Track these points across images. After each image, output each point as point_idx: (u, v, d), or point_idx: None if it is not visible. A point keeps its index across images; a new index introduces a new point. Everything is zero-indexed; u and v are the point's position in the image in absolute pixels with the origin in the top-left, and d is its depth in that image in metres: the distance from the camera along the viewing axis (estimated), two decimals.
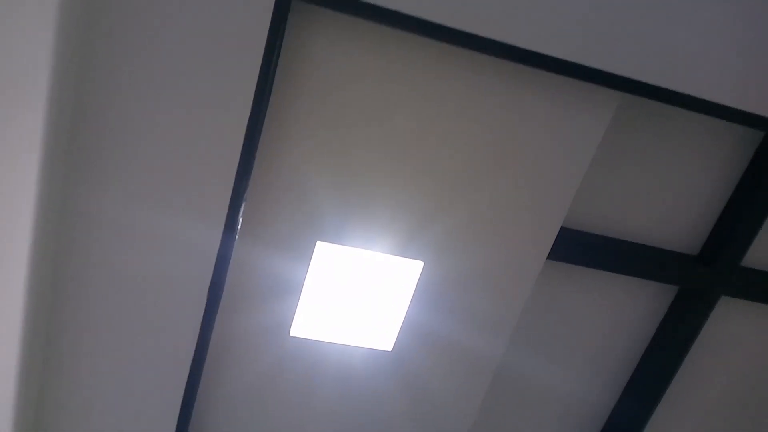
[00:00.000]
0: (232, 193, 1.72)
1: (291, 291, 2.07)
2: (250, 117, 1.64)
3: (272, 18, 1.55)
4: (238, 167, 1.69)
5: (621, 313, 2.53)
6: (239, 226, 1.83)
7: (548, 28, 1.67)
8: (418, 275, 2.12)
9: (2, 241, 1.52)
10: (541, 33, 1.67)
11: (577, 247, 2.29)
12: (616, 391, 2.71)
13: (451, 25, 1.62)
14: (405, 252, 2.07)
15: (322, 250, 2.00)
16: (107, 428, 2.02)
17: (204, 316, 1.88)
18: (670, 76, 1.76)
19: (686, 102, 1.80)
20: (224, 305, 1.98)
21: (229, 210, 1.74)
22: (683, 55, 1.75)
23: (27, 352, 1.70)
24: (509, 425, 2.69)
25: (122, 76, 1.56)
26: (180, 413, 2.04)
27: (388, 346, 2.22)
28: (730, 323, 2.61)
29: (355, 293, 2.11)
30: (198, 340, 1.91)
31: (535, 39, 1.67)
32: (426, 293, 2.15)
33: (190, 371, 1.96)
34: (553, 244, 2.17)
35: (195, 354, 1.94)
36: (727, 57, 1.77)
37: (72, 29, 1.45)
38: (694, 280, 2.44)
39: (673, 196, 2.32)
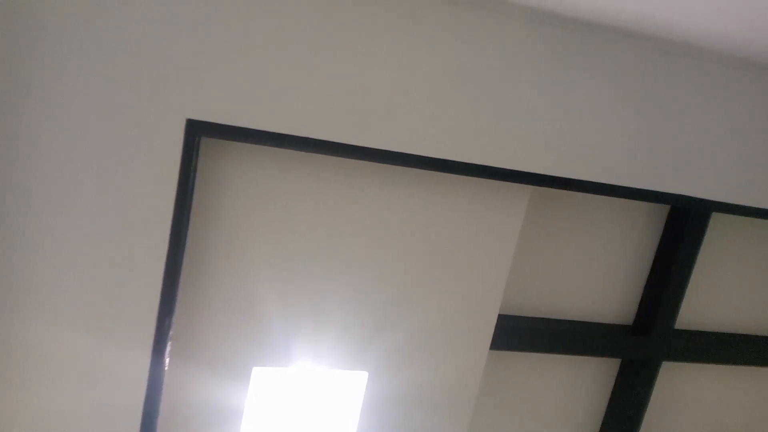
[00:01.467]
0: (158, 316, 1.65)
1: (232, 419, 1.96)
2: (170, 239, 1.62)
3: (183, 152, 1.56)
4: (162, 291, 1.64)
5: (570, 392, 2.53)
6: (168, 351, 1.74)
7: (458, 137, 1.74)
8: (364, 387, 2.06)
9: None
10: (451, 142, 1.74)
11: (517, 333, 2.30)
12: None
13: (356, 143, 1.67)
14: (348, 365, 2.01)
15: (259, 375, 1.93)
16: None
17: None
18: (573, 166, 1.86)
19: (591, 188, 1.90)
20: None
21: (156, 334, 1.67)
22: (583, 146, 1.86)
23: None
24: None
25: (43, 199, 1.52)
26: None
27: None
28: (676, 386, 2.65)
29: (300, 414, 2.03)
30: None
31: (446, 148, 1.74)
32: (373, 406, 2.08)
33: None
34: (494, 333, 2.17)
35: None
36: (623, 143, 1.89)
37: None
38: (634, 351, 2.48)
39: (599, 271, 2.39)
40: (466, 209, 1.95)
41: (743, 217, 2.44)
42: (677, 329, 2.54)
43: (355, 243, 1.89)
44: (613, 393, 2.56)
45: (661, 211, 2.36)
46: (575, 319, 2.43)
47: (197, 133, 1.55)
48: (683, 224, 2.29)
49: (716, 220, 2.39)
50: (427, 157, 1.73)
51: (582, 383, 2.53)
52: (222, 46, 1.52)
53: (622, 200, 2.24)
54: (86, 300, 1.61)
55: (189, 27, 1.50)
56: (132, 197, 1.57)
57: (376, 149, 1.69)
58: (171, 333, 1.71)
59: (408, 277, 1.98)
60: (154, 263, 1.63)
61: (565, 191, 2.10)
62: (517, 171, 1.81)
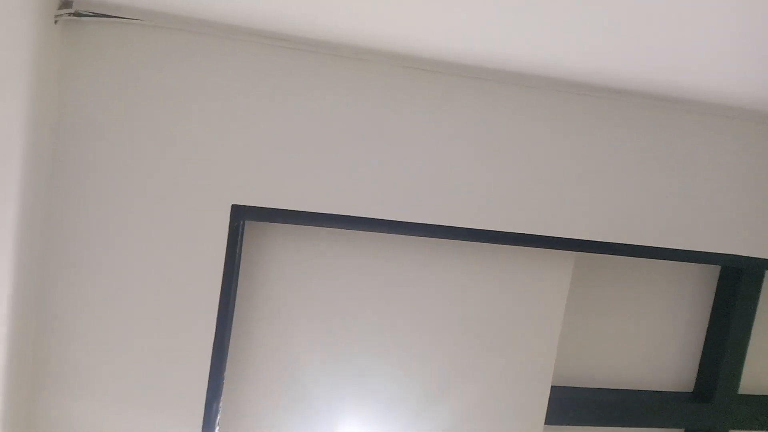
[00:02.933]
0: (206, 399, 1.66)
1: None
2: (217, 323, 1.63)
3: (228, 236, 1.60)
4: (210, 373, 1.65)
5: None
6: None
7: (499, 207, 1.75)
8: None
9: None
10: (493, 213, 1.75)
11: (572, 405, 2.21)
12: None
13: (397, 219, 1.68)
14: None
15: None
16: None
17: None
18: (618, 230, 1.84)
19: (637, 251, 1.86)
20: None
21: (204, 418, 1.66)
22: (626, 209, 1.84)
23: None
24: None
25: (96, 282, 1.56)
26: None
27: None
28: None
29: None
30: None
31: (488, 219, 1.74)
32: None
33: None
34: (548, 407, 2.08)
35: None
36: (667, 204, 1.87)
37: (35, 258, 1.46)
38: (697, 420, 2.34)
39: (652, 336, 2.31)
40: (511, 279, 1.92)
41: None
42: (741, 394, 2.40)
43: (400, 317, 1.87)
44: None
45: (713, 271, 2.29)
46: (632, 387, 2.33)
47: (242, 217, 1.58)
48: (736, 284, 2.21)
49: None
50: (471, 229, 1.73)
51: None
52: (262, 137, 1.59)
53: (670, 262, 2.19)
54: (137, 383, 1.62)
55: (231, 123, 1.57)
56: (181, 281, 1.61)
57: (419, 224, 1.70)
58: (219, 417, 1.69)
59: (455, 351, 1.93)
60: (202, 346, 1.64)
61: (610, 255, 2.07)
62: (561, 238, 1.79)
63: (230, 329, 1.69)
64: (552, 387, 2.09)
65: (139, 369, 1.62)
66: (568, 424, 2.22)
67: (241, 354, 1.78)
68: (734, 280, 2.22)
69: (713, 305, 2.29)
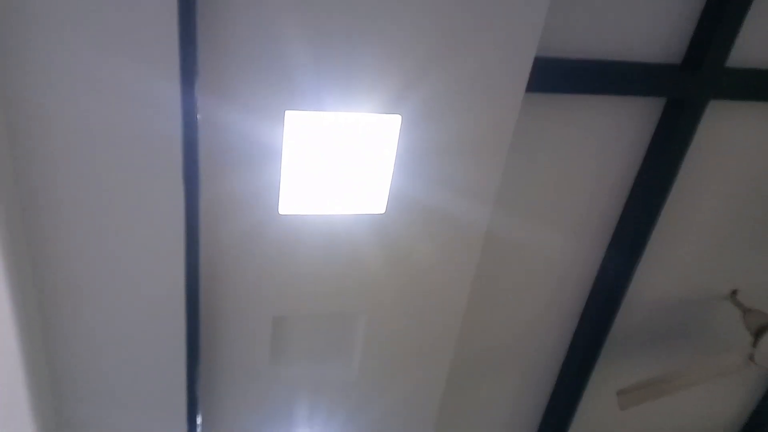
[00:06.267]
0: (179, 45, 1.61)
1: (269, 160, 2.00)
2: None
3: None
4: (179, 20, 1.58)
5: (611, 134, 2.48)
6: (197, 86, 1.72)
7: None
8: (397, 131, 2.06)
9: None
10: None
11: (555, 75, 2.22)
12: (616, 209, 2.72)
13: None
14: (381, 109, 2.00)
15: (293, 118, 1.94)
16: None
17: (185, 177, 1.82)
18: None
19: None
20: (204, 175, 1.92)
21: (181, 65, 1.64)
22: None
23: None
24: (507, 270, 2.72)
25: None
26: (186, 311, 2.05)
27: (380, 208, 2.19)
28: (723, 126, 2.57)
29: (337, 158, 2.06)
30: (185, 201, 1.85)
31: None
32: (407, 152, 2.09)
33: (186, 235, 1.90)
34: (531, 76, 2.08)
35: (186, 221, 1.88)
36: None
37: None
38: (681, 89, 2.37)
39: (646, 5, 2.21)
40: None
41: None
42: (728, 67, 2.39)
43: None
44: (656, 133, 2.50)
45: None
46: (620, 59, 2.30)
47: None
48: None
49: None
50: None
51: (624, 124, 2.47)
52: None
53: None
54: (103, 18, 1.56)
55: None
56: None
57: None
58: (197, 68, 1.69)
59: (440, 20, 1.86)
60: None
61: None
62: None
63: None
64: (538, 58, 2.06)
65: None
66: (550, 92, 2.25)
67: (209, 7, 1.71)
68: None
69: None
